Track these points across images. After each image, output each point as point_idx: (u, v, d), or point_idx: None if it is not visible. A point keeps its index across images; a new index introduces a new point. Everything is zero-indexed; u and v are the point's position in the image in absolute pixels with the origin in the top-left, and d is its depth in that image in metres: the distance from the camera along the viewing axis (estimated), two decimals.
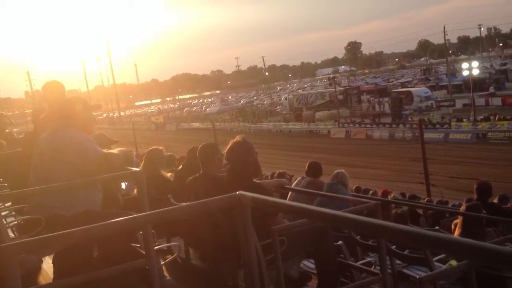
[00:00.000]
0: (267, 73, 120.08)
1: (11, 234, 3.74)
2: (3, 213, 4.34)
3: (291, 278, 3.88)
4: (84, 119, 3.74)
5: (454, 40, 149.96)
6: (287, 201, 2.57)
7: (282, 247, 3.28)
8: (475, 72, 43.02)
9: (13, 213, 4.53)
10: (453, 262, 3.64)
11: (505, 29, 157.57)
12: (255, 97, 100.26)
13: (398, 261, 4.75)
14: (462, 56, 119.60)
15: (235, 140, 4.07)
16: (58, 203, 3.42)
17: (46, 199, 3.45)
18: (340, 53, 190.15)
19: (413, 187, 16.32)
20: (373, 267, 4.41)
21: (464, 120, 36.45)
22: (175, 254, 4.04)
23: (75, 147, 3.51)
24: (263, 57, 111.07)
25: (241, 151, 4.01)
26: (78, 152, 3.49)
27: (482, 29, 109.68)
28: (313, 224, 3.66)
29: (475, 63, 44.19)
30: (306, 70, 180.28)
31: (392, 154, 29.74)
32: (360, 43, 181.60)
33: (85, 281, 2.66)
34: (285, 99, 67.21)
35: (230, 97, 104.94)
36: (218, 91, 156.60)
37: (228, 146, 4.07)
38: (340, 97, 54.20)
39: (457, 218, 6.00)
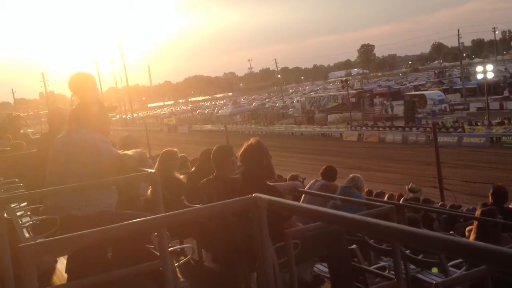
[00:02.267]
0: (279, 76, 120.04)
1: (26, 234, 3.78)
2: (18, 213, 4.38)
3: (305, 281, 3.86)
4: (100, 120, 3.76)
5: (468, 43, 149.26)
6: (302, 204, 2.55)
7: (296, 250, 3.27)
8: (490, 75, 42.67)
9: (28, 213, 4.57)
10: None
11: None
12: (267, 100, 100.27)
13: (412, 266, 4.70)
14: (476, 59, 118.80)
15: (249, 142, 4.08)
16: (72, 203, 3.44)
17: (60, 199, 3.47)
18: (353, 56, 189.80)
19: (426, 191, 16.19)
20: (387, 271, 4.39)
21: (478, 124, 36.12)
22: (188, 256, 4.05)
23: (90, 148, 3.53)
24: (275, 59, 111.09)
25: (256, 154, 4.01)
26: (94, 153, 3.51)
27: (496, 32, 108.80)
28: (327, 227, 3.64)
29: (489, 67, 43.84)
30: (319, 73, 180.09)
31: (405, 157, 29.55)
32: (373, 45, 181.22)
33: (99, 282, 2.66)
34: (297, 101, 67.12)
35: (242, 99, 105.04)
36: (230, 93, 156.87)
37: (243, 149, 4.07)
38: (353, 100, 53.96)
39: (471, 224, 5.94)
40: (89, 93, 3.97)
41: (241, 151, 4.08)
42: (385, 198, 10.75)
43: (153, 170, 3.44)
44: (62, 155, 3.59)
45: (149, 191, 3.96)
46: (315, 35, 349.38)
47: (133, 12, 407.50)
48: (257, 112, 72.07)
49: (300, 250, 3.42)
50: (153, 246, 3.45)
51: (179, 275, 4.14)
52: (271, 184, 4.22)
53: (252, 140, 4.09)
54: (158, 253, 2.93)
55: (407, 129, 40.35)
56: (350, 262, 3.97)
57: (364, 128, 44.07)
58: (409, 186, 11.89)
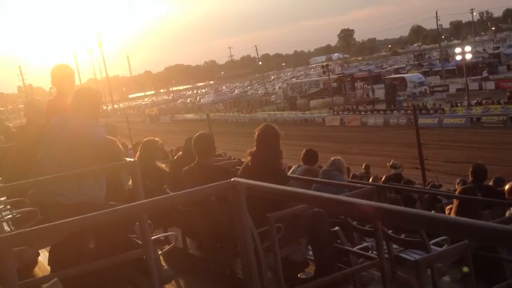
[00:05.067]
0: (260, 63, 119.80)
1: (6, 228, 3.73)
2: None
3: (294, 262, 3.87)
4: (94, 108, 3.75)
5: (446, 25, 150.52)
6: (282, 187, 2.55)
7: (279, 234, 3.28)
8: (468, 56, 43.10)
9: (8, 207, 4.51)
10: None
11: (497, 13, 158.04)
12: (249, 87, 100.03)
13: (395, 246, 4.76)
14: (455, 41, 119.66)
15: (264, 126, 4.18)
16: (60, 189, 3.41)
17: (50, 185, 3.45)
18: (333, 41, 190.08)
19: (409, 172, 16.36)
20: (370, 251, 4.41)
21: (458, 105, 36.55)
22: (172, 244, 4.04)
23: (87, 134, 3.52)
24: (256, 46, 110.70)
25: (271, 137, 4.07)
26: (90, 139, 3.51)
27: (474, 13, 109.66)
28: (309, 210, 3.66)
29: (467, 48, 44.29)
30: (300, 59, 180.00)
31: (387, 140, 29.81)
32: (352, 30, 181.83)
33: (82, 273, 2.64)
34: (279, 88, 67.07)
35: (224, 88, 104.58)
36: (211, 82, 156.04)
37: (259, 131, 4.14)
38: (334, 84, 54.14)
39: (452, 203, 6.01)
40: (67, 84, 3.97)
41: (257, 134, 4.13)
42: (371, 180, 10.88)
43: (132, 159, 3.42)
44: (59, 141, 3.57)
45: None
46: (294, 21, 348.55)
47: (110, 1, 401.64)
48: (239, 100, 71.93)
49: (284, 233, 3.43)
50: (136, 236, 3.43)
51: (164, 263, 4.14)
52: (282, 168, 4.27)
53: (267, 125, 4.21)
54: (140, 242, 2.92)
55: (388, 112, 40.68)
56: (333, 244, 4.00)
57: (346, 112, 44.32)
58: (391, 163, 12.09)
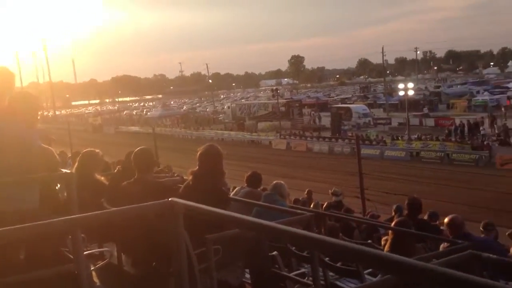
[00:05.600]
0: (210, 81, 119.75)
1: None
2: None
3: (231, 285, 3.83)
4: (30, 114, 3.61)
5: (391, 61, 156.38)
6: (220, 211, 2.53)
7: (217, 256, 3.23)
8: (410, 93, 44.79)
9: None
10: None
11: (439, 54, 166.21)
12: (198, 104, 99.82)
13: (331, 273, 4.80)
14: (399, 77, 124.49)
15: (208, 146, 4.20)
16: None
17: None
18: (284, 66, 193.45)
19: (349, 200, 16.69)
20: (306, 278, 4.45)
21: (399, 138, 37.85)
22: (106, 260, 3.90)
23: (19, 140, 3.37)
24: (207, 64, 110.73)
25: (214, 158, 4.10)
26: (22, 146, 3.36)
27: (418, 52, 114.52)
28: (248, 233, 3.64)
29: (410, 84, 45.99)
30: (250, 80, 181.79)
31: (331, 167, 30.36)
32: (303, 57, 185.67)
33: (10, 284, 2.50)
34: (228, 107, 67.24)
35: (172, 103, 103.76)
36: (160, 96, 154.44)
37: (202, 151, 4.13)
38: (282, 109, 54.85)
39: (387, 233, 6.16)
40: (4, 88, 3.83)
41: (199, 153, 4.13)
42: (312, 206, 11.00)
43: (68, 171, 3.29)
44: None
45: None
46: (246, 42, 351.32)
47: (57, 4, 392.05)
48: (187, 116, 71.49)
49: (222, 255, 3.40)
50: (68, 250, 3.29)
51: (96, 280, 3.98)
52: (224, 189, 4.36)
53: (210, 145, 4.24)
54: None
55: (333, 140, 41.52)
56: (271, 269, 3.99)
57: (292, 137, 44.89)
58: (332, 190, 12.38)
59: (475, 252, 3.61)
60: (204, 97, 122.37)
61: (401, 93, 45.46)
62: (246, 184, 7.05)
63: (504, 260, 3.84)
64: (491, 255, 3.64)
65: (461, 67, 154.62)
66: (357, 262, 3.84)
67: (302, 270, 4.91)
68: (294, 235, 1.93)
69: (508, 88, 65.34)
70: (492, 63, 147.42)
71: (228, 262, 3.75)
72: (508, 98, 53.42)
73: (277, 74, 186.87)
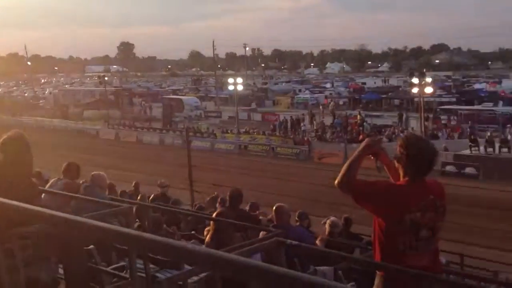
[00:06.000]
0: (29, 63, 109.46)
1: None
2: None
3: (42, 281, 3.61)
4: None
5: (222, 55, 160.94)
6: (26, 205, 2.40)
7: (27, 251, 3.23)
8: (240, 87, 46.48)
9: None
10: None
11: (266, 52, 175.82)
12: (15, 87, 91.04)
13: (152, 265, 4.80)
14: (230, 71, 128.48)
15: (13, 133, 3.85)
16: None
17: None
18: (112, 52, 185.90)
19: (179, 192, 16.70)
20: (125, 272, 4.52)
21: (229, 131, 39.02)
22: None
23: None
24: (25, 45, 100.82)
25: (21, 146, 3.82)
26: None
27: (247, 48, 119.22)
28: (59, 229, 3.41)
29: (239, 80, 47.67)
30: (75, 65, 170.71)
31: (162, 159, 30.06)
32: (133, 44, 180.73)
33: None
34: (50, 93, 62.61)
35: None
36: None
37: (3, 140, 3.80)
38: (111, 97, 52.77)
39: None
40: None
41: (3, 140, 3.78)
42: (138, 199, 10.71)
43: None
44: None
45: None
46: (71, 24, 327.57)
47: None
48: (3, 101, 64.69)
49: (32, 251, 3.36)
50: None
51: None
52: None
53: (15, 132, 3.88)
54: None
55: (164, 131, 41.22)
56: (86, 263, 3.79)
57: (122, 127, 43.42)
58: (158, 182, 12.19)
59: (280, 239, 4.08)
60: (22, 80, 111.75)
61: (231, 87, 46.87)
62: (63, 176, 6.70)
63: (302, 245, 4.29)
64: (293, 242, 4.11)
65: (285, 66, 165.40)
66: (170, 258, 4.04)
67: (122, 263, 4.89)
68: (106, 230, 1.98)
69: (325, 88, 71.69)
70: (312, 64, 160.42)
71: (39, 258, 3.58)
72: (326, 97, 58.56)
73: (104, 60, 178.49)
